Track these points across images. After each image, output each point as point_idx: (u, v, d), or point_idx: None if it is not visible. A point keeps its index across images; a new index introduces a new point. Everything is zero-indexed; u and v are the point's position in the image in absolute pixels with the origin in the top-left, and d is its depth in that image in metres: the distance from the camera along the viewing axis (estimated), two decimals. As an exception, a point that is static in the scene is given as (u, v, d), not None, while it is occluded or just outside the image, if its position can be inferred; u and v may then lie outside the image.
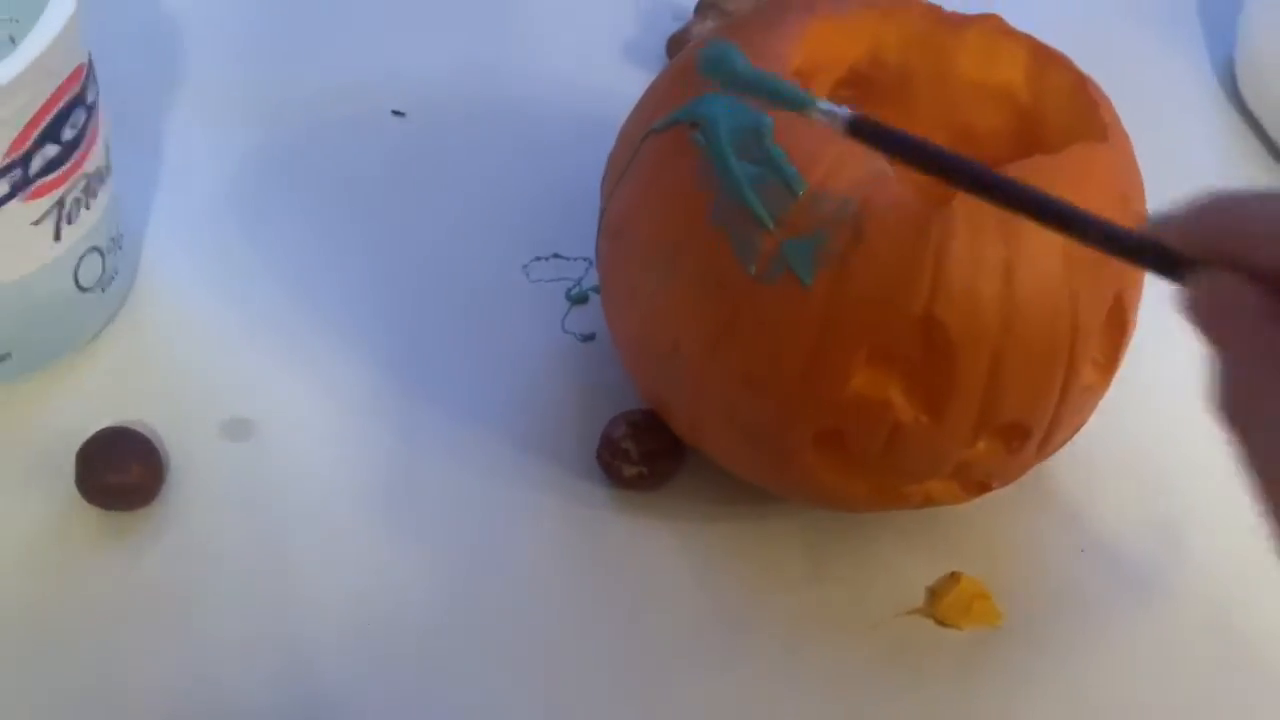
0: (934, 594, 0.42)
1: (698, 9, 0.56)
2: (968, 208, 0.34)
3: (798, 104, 0.30)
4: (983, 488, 0.40)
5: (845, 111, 0.28)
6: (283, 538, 0.41)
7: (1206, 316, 0.20)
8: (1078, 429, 0.40)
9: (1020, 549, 0.43)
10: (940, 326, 0.34)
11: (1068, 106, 0.39)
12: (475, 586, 0.41)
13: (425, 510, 0.42)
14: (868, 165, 0.35)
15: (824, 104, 0.29)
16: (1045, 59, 0.40)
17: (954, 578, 0.42)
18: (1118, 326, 0.37)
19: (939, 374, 0.35)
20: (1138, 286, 0.38)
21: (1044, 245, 0.34)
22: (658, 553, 0.42)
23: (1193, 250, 0.21)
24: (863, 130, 0.28)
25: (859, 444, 0.37)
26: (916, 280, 0.34)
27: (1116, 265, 0.36)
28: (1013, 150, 0.40)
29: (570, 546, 0.42)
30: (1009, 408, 0.36)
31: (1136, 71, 0.51)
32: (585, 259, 0.49)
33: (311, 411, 0.44)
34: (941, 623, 0.41)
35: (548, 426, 0.44)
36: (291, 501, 0.42)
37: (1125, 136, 0.39)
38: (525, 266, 0.49)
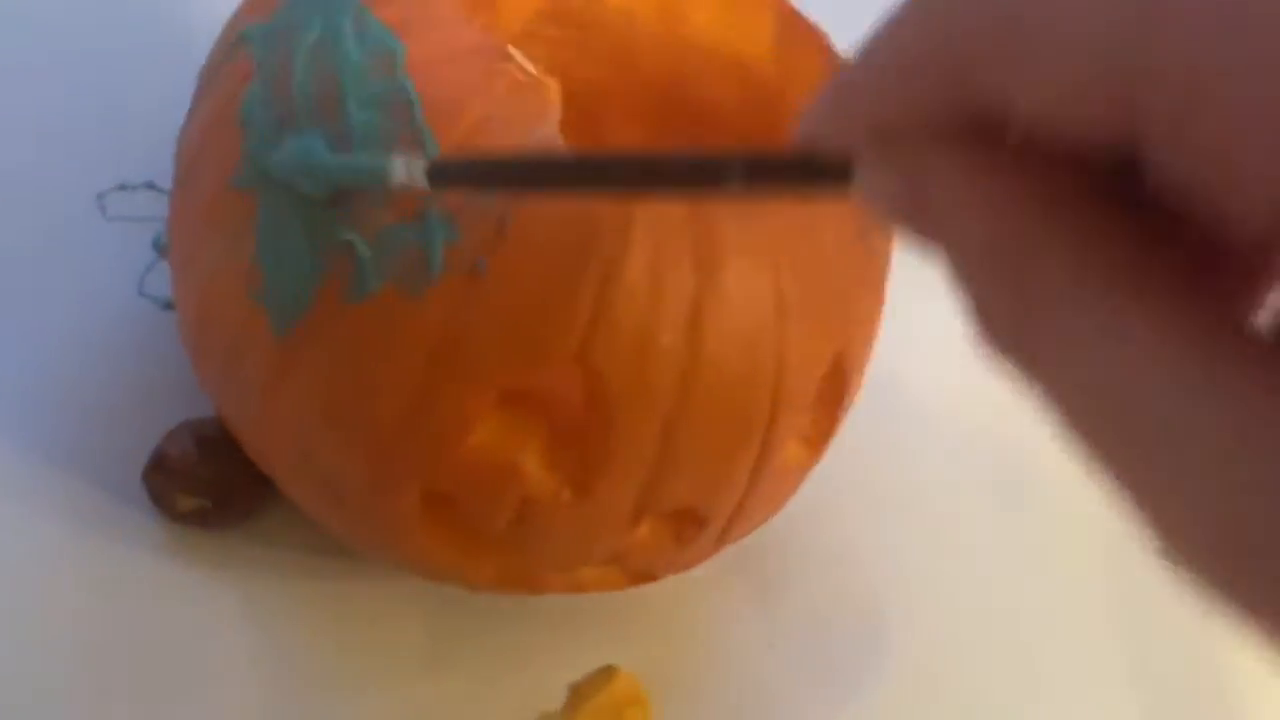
0: (578, 693, 0.33)
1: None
2: (654, 217, 0.24)
3: (378, 175, 0.23)
4: (646, 577, 0.31)
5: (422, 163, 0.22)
6: None
7: (908, 215, 0.14)
8: (771, 515, 0.31)
9: (697, 641, 0.35)
10: (597, 378, 0.25)
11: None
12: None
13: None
14: (535, 131, 0.25)
15: (398, 161, 0.22)
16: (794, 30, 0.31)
17: (607, 673, 0.33)
18: (834, 395, 0.28)
19: (592, 439, 0.25)
20: (866, 342, 0.29)
21: (751, 281, 0.25)
22: (216, 619, 0.31)
23: (857, 138, 0.14)
24: (447, 173, 0.22)
25: (478, 517, 0.27)
26: (572, 308, 0.24)
27: (842, 318, 0.27)
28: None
29: (103, 602, 0.30)
30: (680, 491, 0.27)
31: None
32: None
33: None
34: (582, 734, 0.32)
35: (97, 431, 0.32)
36: None
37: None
38: (101, 196, 0.36)
